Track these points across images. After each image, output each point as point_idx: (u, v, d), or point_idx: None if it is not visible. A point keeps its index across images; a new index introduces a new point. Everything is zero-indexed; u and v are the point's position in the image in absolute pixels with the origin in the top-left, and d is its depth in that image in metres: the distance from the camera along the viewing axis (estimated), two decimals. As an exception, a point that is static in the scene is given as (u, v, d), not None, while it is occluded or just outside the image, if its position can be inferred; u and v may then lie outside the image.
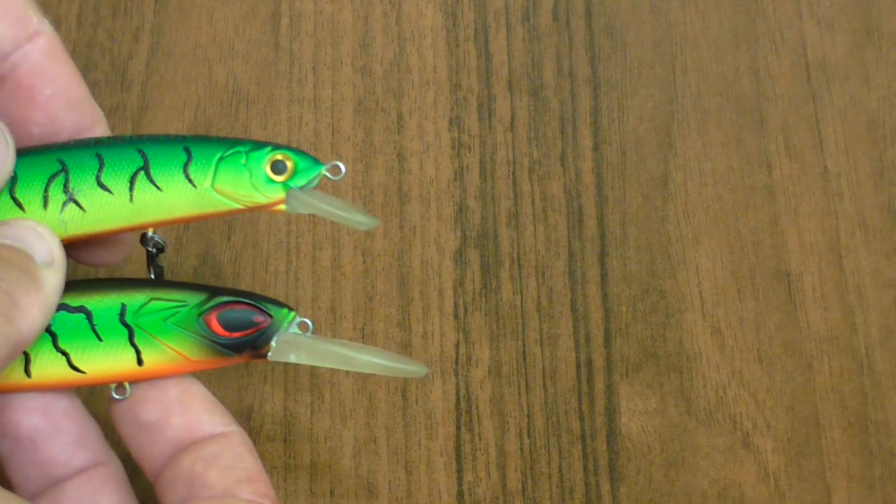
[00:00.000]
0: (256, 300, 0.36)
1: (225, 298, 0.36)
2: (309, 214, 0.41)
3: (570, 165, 0.46)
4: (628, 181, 0.46)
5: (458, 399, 0.43)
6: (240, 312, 0.36)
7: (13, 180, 0.35)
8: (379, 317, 0.44)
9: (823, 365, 0.44)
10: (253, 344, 0.36)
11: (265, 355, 0.36)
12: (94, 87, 0.46)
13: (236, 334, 0.36)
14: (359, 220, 0.36)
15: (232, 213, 0.37)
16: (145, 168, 0.36)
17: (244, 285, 0.44)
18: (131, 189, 0.36)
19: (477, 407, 0.43)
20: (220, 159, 0.36)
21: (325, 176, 0.37)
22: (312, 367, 0.43)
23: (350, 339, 0.43)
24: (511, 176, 0.46)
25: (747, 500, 0.42)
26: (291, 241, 0.44)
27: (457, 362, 0.43)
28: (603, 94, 0.47)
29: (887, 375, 0.44)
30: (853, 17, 0.48)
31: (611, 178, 0.46)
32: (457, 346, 0.44)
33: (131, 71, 0.46)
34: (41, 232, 0.36)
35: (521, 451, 0.43)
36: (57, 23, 0.46)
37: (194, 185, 0.36)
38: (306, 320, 0.36)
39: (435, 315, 0.44)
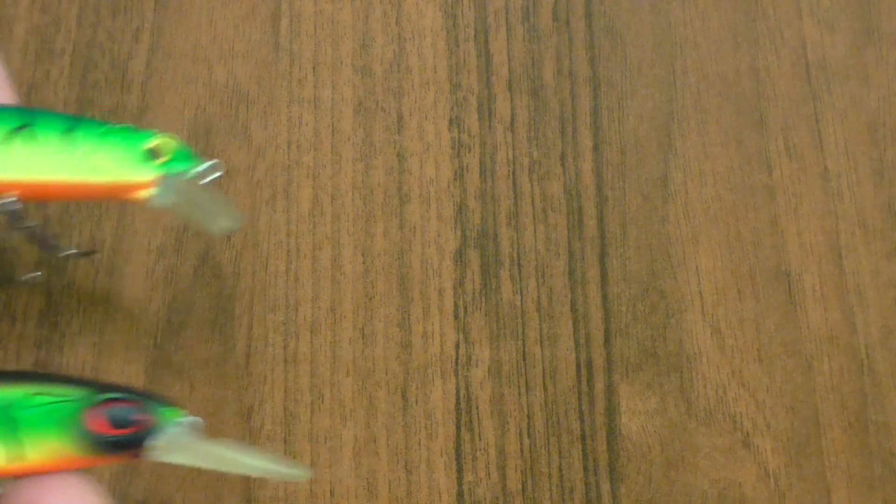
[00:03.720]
0: (142, 397, 0.35)
1: (109, 395, 0.35)
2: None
3: (570, 165, 0.46)
4: (628, 181, 0.46)
5: (458, 399, 0.43)
6: (122, 409, 0.35)
7: None
8: (379, 317, 0.44)
9: (823, 365, 0.44)
10: (134, 442, 0.35)
11: (145, 454, 0.35)
12: (93, 87, 0.45)
13: (117, 432, 0.35)
14: (222, 223, 0.37)
15: (98, 191, 0.37)
16: (28, 125, 0.36)
17: (243, 285, 0.44)
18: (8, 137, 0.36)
19: (477, 407, 0.43)
20: (104, 133, 0.37)
21: (202, 173, 0.37)
22: (312, 368, 0.43)
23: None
24: (511, 176, 0.46)
25: (747, 500, 0.42)
26: (291, 241, 0.44)
27: (457, 362, 0.43)
28: (603, 95, 0.47)
29: (887, 375, 0.44)
30: (853, 17, 0.48)
31: (611, 178, 0.46)
32: (457, 346, 0.44)
33: (131, 71, 0.46)
34: None
35: (521, 452, 0.43)
36: (57, 23, 0.46)
37: (70, 149, 0.36)
38: (196, 419, 0.35)
39: (435, 315, 0.44)
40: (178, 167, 0.37)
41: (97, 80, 0.46)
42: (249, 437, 0.42)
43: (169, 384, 0.42)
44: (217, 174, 0.38)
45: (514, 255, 0.45)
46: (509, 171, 0.46)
